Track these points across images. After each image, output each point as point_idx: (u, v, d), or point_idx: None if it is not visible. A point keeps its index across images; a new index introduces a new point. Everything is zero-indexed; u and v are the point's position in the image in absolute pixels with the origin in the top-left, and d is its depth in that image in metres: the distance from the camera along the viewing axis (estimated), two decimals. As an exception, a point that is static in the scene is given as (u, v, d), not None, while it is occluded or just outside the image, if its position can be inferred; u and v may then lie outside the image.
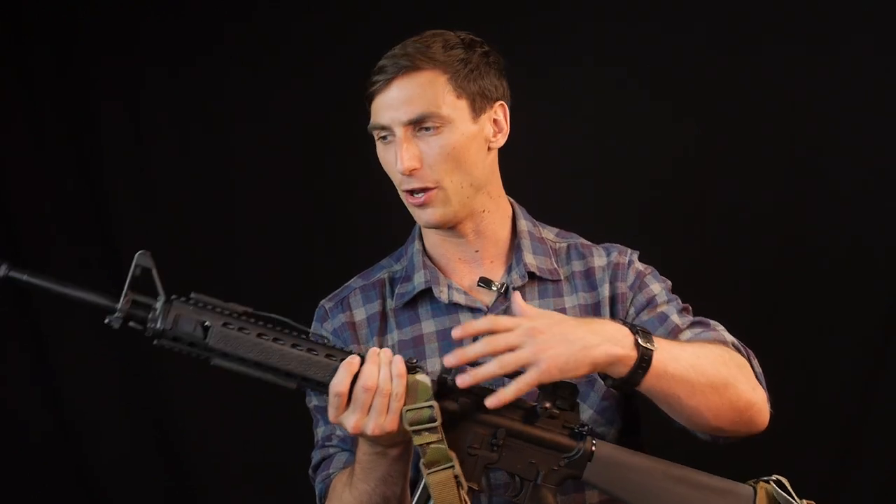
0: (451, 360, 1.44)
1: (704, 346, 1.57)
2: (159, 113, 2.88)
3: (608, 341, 1.42)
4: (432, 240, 1.74)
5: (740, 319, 2.75)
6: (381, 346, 1.53)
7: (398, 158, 1.62)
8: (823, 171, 2.77)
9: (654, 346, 1.44)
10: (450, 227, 1.68)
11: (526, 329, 1.41)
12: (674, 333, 1.67)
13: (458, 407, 1.47)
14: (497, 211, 1.73)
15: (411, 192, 1.64)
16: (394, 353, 1.46)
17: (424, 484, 1.45)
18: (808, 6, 2.75)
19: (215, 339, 1.41)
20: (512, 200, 1.77)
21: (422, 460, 1.43)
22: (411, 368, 1.45)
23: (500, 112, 1.71)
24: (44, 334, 2.86)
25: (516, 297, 1.48)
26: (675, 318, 1.70)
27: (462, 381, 1.42)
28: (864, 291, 2.75)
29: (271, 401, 2.70)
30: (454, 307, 1.70)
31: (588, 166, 2.82)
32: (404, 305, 1.72)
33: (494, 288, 1.68)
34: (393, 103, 1.63)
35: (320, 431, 1.73)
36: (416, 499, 1.47)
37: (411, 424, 1.42)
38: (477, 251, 1.72)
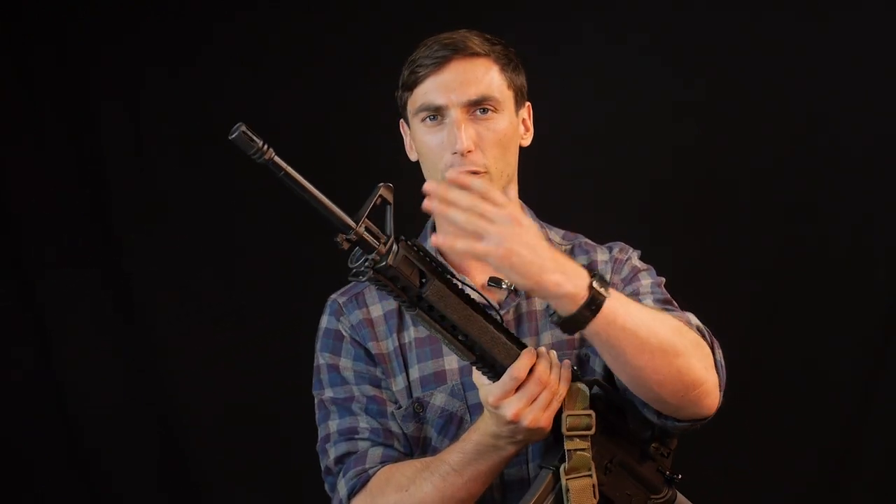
0: (432, 186, 1.38)
1: (665, 314, 1.55)
2: (159, 113, 2.88)
3: (563, 274, 1.38)
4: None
5: (740, 319, 2.78)
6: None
7: (459, 138, 1.61)
8: (823, 171, 2.77)
9: (607, 293, 1.41)
10: None
11: (510, 213, 1.37)
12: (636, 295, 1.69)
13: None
14: None
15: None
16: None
17: (557, 489, 1.49)
18: (808, 6, 2.75)
19: (430, 291, 1.41)
20: (521, 201, 1.78)
21: (564, 465, 1.48)
22: (575, 377, 1.50)
23: (528, 112, 1.74)
24: (48, 329, 2.86)
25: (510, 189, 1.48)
26: (649, 302, 1.68)
27: (428, 202, 1.37)
28: (864, 291, 2.75)
29: (276, 398, 2.72)
30: None
31: (588, 166, 2.82)
32: None
33: (505, 286, 1.69)
34: (450, 84, 1.63)
35: (334, 424, 1.69)
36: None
37: (570, 429, 1.48)
38: None
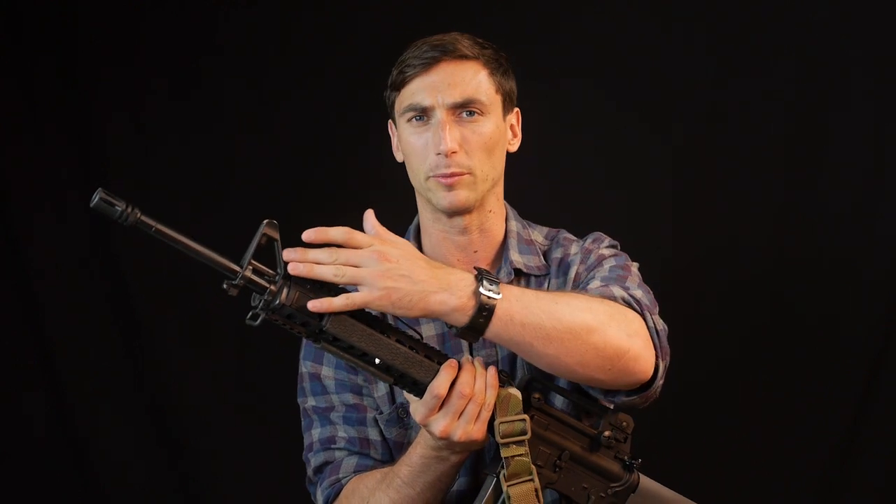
0: (291, 254, 1.38)
1: (570, 296, 1.53)
2: (161, 120, 2.88)
3: (446, 290, 1.39)
4: (434, 238, 1.73)
5: (740, 319, 2.78)
6: None
7: (443, 139, 1.61)
8: (824, 172, 2.76)
9: (497, 294, 1.40)
10: (466, 212, 1.68)
11: (375, 251, 1.37)
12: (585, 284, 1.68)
13: (534, 423, 1.51)
14: (499, 213, 1.75)
15: (443, 175, 1.64)
16: None
17: (501, 495, 1.47)
18: (804, 9, 2.75)
19: (331, 324, 1.38)
20: (505, 202, 1.78)
21: (503, 472, 1.45)
22: (503, 381, 1.47)
23: (516, 118, 1.74)
24: (47, 331, 2.86)
25: (369, 214, 1.44)
26: (595, 283, 1.65)
27: (294, 268, 1.37)
28: (864, 291, 2.75)
29: (275, 399, 2.71)
30: None
31: (587, 167, 2.82)
32: None
33: None
34: (438, 85, 1.63)
35: (316, 433, 1.71)
36: None
37: (504, 436, 1.45)
38: (476, 251, 1.73)
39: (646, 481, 1.58)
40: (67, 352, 2.86)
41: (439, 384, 1.42)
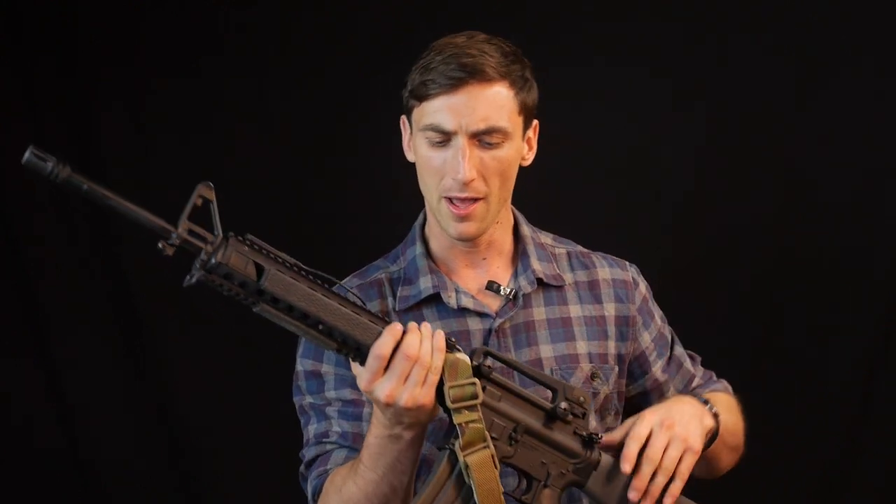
0: (634, 495, 1.50)
1: (731, 408, 1.72)
2: (161, 119, 2.88)
3: (703, 414, 1.58)
4: (440, 243, 1.71)
5: (740, 319, 2.78)
6: None
7: (462, 167, 1.58)
8: (824, 172, 2.77)
9: (721, 415, 1.60)
10: (474, 240, 1.68)
11: (660, 424, 1.52)
12: (689, 382, 1.81)
13: (486, 395, 1.46)
14: (507, 221, 1.73)
15: (453, 199, 1.62)
16: None
17: (457, 468, 1.43)
18: (804, 9, 2.75)
19: (269, 283, 1.34)
20: (512, 207, 1.77)
21: (458, 442, 1.42)
22: (451, 346, 1.44)
23: (534, 131, 1.71)
24: (47, 331, 2.86)
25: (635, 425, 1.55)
26: (689, 366, 1.82)
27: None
28: (864, 291, 2.75)
29: (276, 398, 2.71)
30: (462, 311, 1.68)
31: (587, 168, 2.82)
32: (407, 308, 1.69)
33: (504, 293, 1.67)
34: (462, 110, 1.58)
35: (312, 429, 1.70)
36: (442, 485, 1.45)
37: (454, 401, 1.42)
38: (484, 259, 1.71)
39: (608, 459, 1.53)
40: (67, 352, 2.86)
41: (382, 344, 1.39)
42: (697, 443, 1.52)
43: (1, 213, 2.84)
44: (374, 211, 2.79)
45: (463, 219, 1.62)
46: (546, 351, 1.67)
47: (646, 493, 1.49)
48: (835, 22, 2.73)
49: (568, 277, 1.74)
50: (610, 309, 1.73)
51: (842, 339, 2.75)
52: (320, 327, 1.38)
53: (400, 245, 1.77)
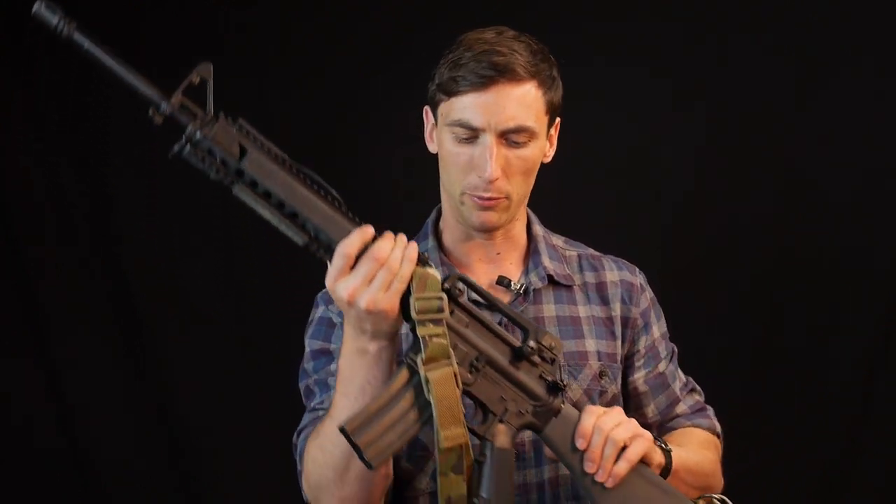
0: (590, 466, 1.47)
1: (700, 450, 1.70)
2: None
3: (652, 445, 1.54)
4: (457, 235, 1.71)
5: (740, 319, 2.78)
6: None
7: (489, 166, 1.58)
8: (824, 172, 2.77)
9: (676, 451, 1.58)
10: (495, 231, 1.68)
11: (616, 410, 1.50)
12: (672, 405, 1.78)
13: (453, 319, 1.45)
14: (523, 218, 1.74)
15: (479, 197, 1.62)
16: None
17: (416, 381, 1.40)
18: (804, 9, 2.75)
19: (251, 164, 1.36)
20: (528, 210, 1.77)
21: (421, 356, 1.39)
22: (423, 261, 1.42)
23: (555, 128, 1.72)
24: (47, 332, 2.86)
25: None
26: (676, 388, 1.78)
27: (601, 476, 1.47)
28: (864, 291, 2.75)
29: (276, 398, 2.71)
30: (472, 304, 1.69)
31: (587, 168, 2.82)
32: None
33: (514, 288, 1.67)
34: (491, 108, 1.59)
35: (312, 403, 1.69)
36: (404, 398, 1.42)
37: (420, 312, 1.39)
38: (499, 253, 1.72)
39: (570, 410, 1.49)
40: (67, 352, 2.86)
41: (349, 242, 1.38)
42: (648, 435, 1.49)
43: (1, 213, 2.84)
44: (374, 211, 2.77)
45: (486, 208, 1.62)
46: None
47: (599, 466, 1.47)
48: (835, 22, 2.74)
49: (577, 279, 1.74)
50: (616, 309, 1.74)
51: (842, 339, 2.75)
52: (295, 218, 1.39)
53: (412, 240, 1.77)
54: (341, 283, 1.38)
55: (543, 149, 1.67)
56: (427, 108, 1.71)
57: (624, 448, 1.47)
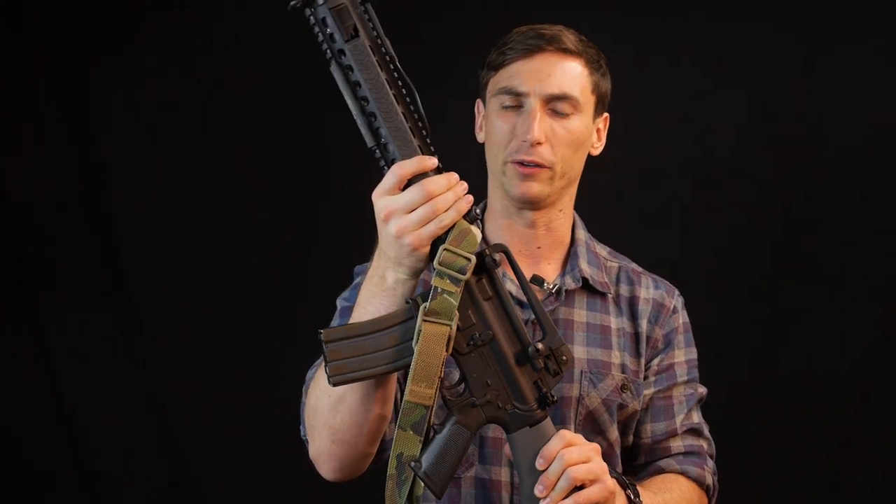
0: (539, 489, 1.40)
1: (684, 496, 1.67)
2: (161, 118, 2.88)
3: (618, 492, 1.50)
4: (500, 224, 1.70)
5: (740, 320, 2.78)
6: None
7: (532, 128, 1.59)
8: (824, 172, 2.77)
9: (647, 499, 1.56)
10: (536, 205, 1.66)
11: (590, 447, 1.43)
12: (668, 437, 1.72)
13: (477, 287, 1.41)
14: (568, 216, 1.73)
15: (522, 162, 1.61)
16: None
17: (409, 324, 1.37)
18: (804, 9, 2.75)
19: (353, 50, 1.36)
20: (575, 213, 1.76)
21: (426, 305, 1.35)
22: (472, 219, 1.38)
23: (604, 122, 1.73)
24: (47, 331, 2.86)
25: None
26: (677, 421, 1.73)
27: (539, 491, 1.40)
28: (863, 292, 2.75)
29: (276, 398, 2.72)
30: None
31: (587, 168, 2.81)
32: None
33: (547, 287, 1.66)
34: (537, 73, 1.61)
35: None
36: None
37: (442, 264, 1.35)
38: (539, 248, 1.71)
39: (549, 427, 1.43)
40: (67, 352, 2.86)
41: (406, 164, 1.34)
42: (611, 484, 1.43)
43: (1, 213, 2.84)
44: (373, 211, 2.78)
45: (527, 177, 1.62)
46: (580, 352, 1.66)
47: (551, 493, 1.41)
48: (834, 21, 2.73)
49: (615, 290, 1.73)
50: (643, 326, 1.72)
51: (841, 339, 2.75)
52: (373, 119, 1.38)
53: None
54: (385, 199, 1.35)
55: (590, 130, 1.67)
56: (478, 101, 1.73)
57: (581, 487, 1.40)
